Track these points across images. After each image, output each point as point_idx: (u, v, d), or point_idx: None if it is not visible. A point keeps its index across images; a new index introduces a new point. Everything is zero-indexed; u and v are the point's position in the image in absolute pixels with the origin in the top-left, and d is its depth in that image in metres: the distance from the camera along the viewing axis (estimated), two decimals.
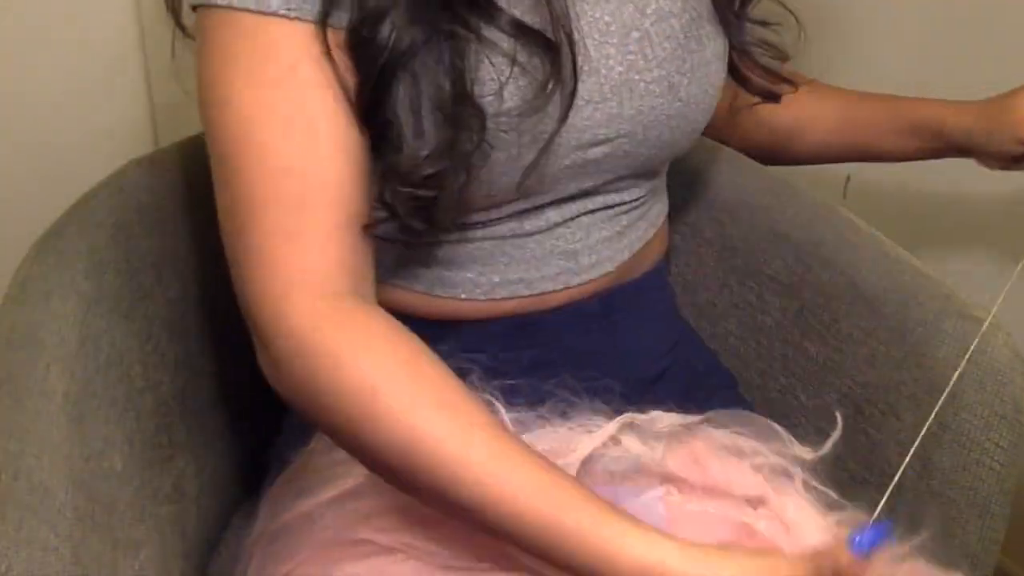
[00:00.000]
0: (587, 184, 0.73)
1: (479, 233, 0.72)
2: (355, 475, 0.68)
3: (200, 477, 0.79)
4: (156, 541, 0.68)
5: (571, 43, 0.65)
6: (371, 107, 0.62)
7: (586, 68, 0.68)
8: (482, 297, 0.74)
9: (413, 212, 0.64)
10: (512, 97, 0.65)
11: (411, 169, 0.63)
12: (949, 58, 1.19)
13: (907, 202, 1.20)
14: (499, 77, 0.64)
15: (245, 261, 0.62)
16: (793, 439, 0.70)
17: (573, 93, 0.66)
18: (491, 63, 0.64)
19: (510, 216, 0.72)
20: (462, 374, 0.67)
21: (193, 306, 0.82)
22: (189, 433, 0.78)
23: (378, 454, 0.60)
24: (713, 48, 0.75)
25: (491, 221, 0.72)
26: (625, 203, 0.77)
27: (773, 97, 0.87)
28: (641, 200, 0.78)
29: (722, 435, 0.70)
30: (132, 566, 0.62)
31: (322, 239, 0.62)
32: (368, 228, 0.64)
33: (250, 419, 0.87)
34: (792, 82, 0.87)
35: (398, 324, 0.63)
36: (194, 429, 0.79)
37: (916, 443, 0.62)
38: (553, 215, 0.73)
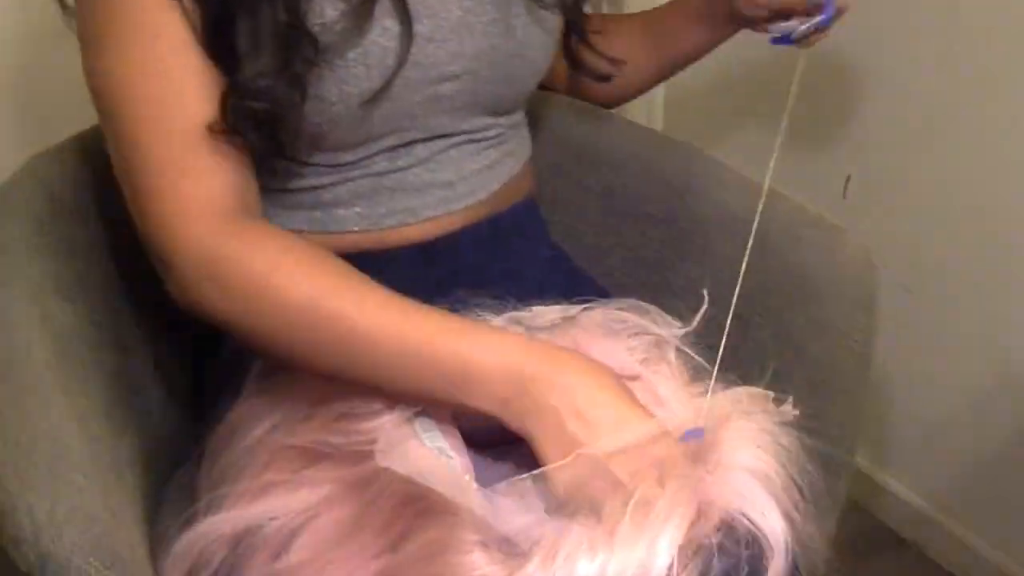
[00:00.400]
0: (444, 119, 0.81)
1: (356, 172, 0.80)
2: (274, 415, 0.73)
3: (143, 451, 0.81)
4: (131, 503, 0.71)
5: None
6: (215, 40, 0.71)
7: (424, 12, 0.77)
8: (373, 228, 0.81)
9: (252, 129, 0.72)
10: (338, 21, 0.72)
11: (247, 83, 0.71)
12: None
13: (907, 201, 1.22)
14: (327, 14, 0.72)
15: (141, 196, 0.71)
16: (665, 316, 0.77)
17: (410, 30, 0.75)
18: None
19: (380, 153, 0.80)
20: None
21: (118, 290, 0.84)
22: (129, 409, 0.80)
23: (283, 327, 0.69)
24: None
25: (365, 159, 0.80)
26: (488, 139, 0.85)
27: (603, 78, 0.95)
28: (502, 136, 0.87)
29: (600, 321, 0.77)
30: (131, 513, 0.66)
31: (208, 170, 0.71)
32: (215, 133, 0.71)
33: (176, 399, 0.90)
34: (618, 61, 0.95)
35: (281, 228, 0.74)
36: (132, 406, 0.81)
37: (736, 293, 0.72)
38: (422, 151, 0.81)
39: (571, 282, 0.90)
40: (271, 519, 0.67)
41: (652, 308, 0.79)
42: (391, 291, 0.69)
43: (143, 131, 0.71)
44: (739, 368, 0.82)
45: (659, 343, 0.77)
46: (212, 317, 0.72)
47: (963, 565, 1.28)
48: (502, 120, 0.86)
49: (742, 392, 0.71)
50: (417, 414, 0.69)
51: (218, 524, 0.68)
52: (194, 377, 0.91)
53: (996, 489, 1.23)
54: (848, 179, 1.22)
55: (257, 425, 0.73)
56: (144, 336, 0.86)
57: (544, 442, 0.64)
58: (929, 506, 1.31)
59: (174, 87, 0.71)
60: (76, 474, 0.56)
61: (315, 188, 0.80)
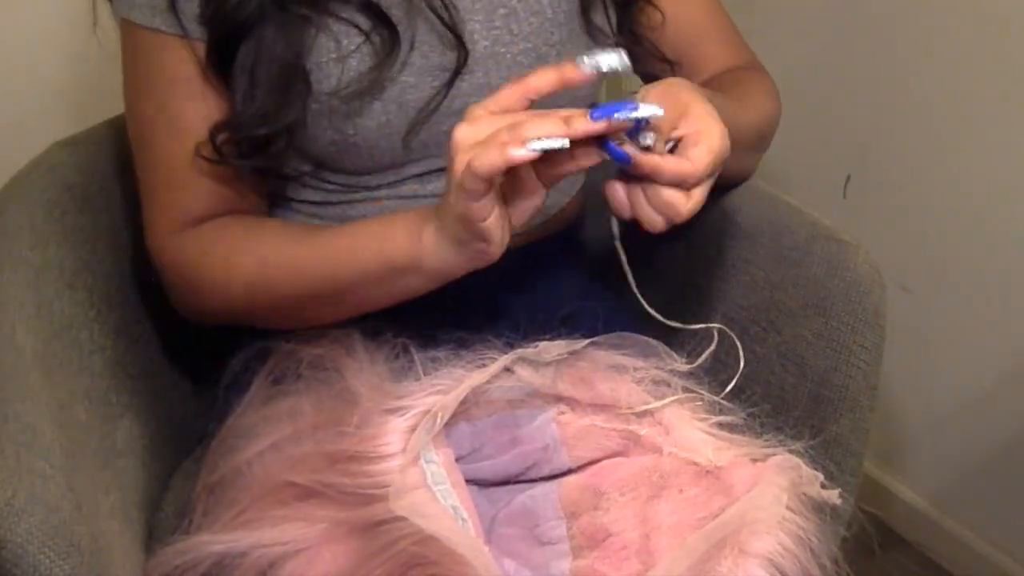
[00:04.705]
0: None
1: (383, 193, 0.78)
2: (278, 430, 0.72)
3: (144, 437, 0.82)
4: (118, 487, 0.72)
5: (453, 24, 0.72)
6: (216, 68, 0.73)
7: (450, 43, 0.73)
8: None
9: (243, 162, 0.74)
10: (352, 69, 0.71)
11: (237, 129, 0.72)
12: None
13: (907, 201, 1.22)
14: (343, 48, 0.71)
15: (142, 211, 0.78)
16: (671, 353, 0.76)
17: (457, 67, 0.73)
18: (335, 36, 0.71)
19: (408, 179, 0.78)
20: (377, 331, 0.74)
21: (128, 277, 0.85)
22: (132, 395, 0.81)
23: (250, 299, 0.74)
24: (583, 21, 0.79)
25: (392, 183, 0.78)
26: None
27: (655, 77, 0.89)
28: None
29: (606, 355, 0.76)
30: (106, 503, 0.66)
31: (189, 188, 0.76)
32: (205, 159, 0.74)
33: (187, 386, 0.90)
34: (672, 62, 0.89)
35: (228, 216, 0.77)
36: (135, 392, 0.82)
37: None
38: None
39: (602, 316, 0.87)
40: (261, 547, 0.66)
41: (658, 344, 0.78)
42: (312, 227, 0.77)
43: (145, 152, 0.77)
44: (743, 382, 0.81)
45: (665, 381, 0.75)
46: (201, 315, 0.79)
47: (963, 565, 1.27)
48: None
49: (774, 461, 0.69)
50: (426, 460, 0.68)
51: (205, 544, 0.67)
52: (209, 365, 0.91)
53: (996, 489, 1.23)
54: (848, 179, 1.21)
55: (255, 441, 0.72)
56: (153, 324, 0.87)
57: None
58: (929, 506, 1.31)
59: (167, 115, 0.74)
60: (42, 462, 0.56)
61: (342, 203, 0.79)
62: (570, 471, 0.74)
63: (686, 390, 0.75)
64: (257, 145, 0.72)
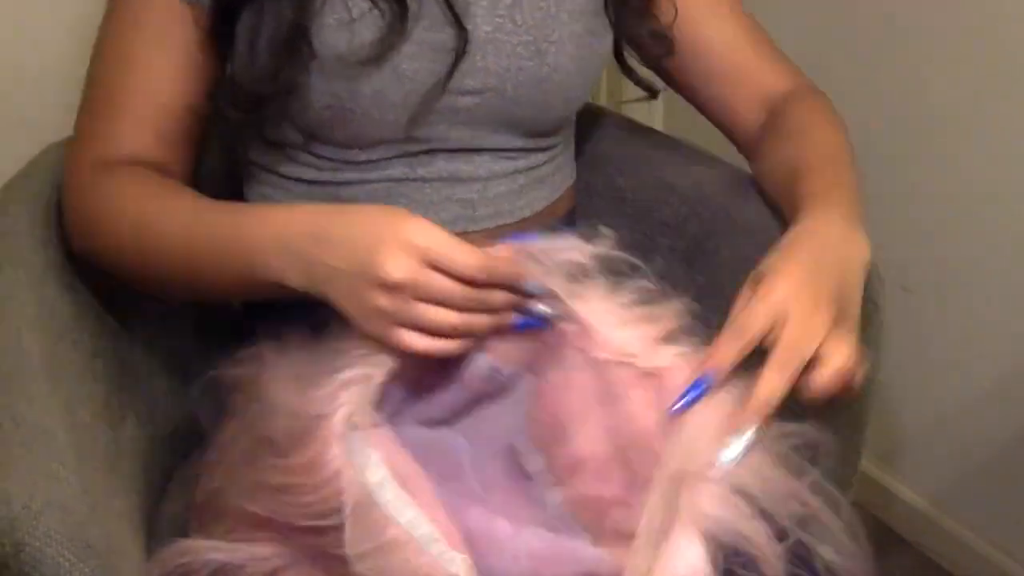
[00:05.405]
0: (466, 133, 0.78)
1: (374, 174, 0.79)
2: (229, 457, 0.72)
3: (144, 440, 0.82)
4: (124, 490, 0.72)
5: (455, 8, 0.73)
6: (218, 29, 0.75)
7: (451, 20, 0.74)
8: None
9: (236, 110, 0.76)
10: (361, 34, 0.72)
11: (238, 88, 0.74)
12: None
13: (907, 201, 1.21)
14: (350, 14, 0.72)
15: (67, 158, 0.79)
16: (583, 241, 0.73)
17: (457, 49, 0.74)
18: (343, 1, 0.72)
19: (398, 157, 0.78)
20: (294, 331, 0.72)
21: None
22: (133, 398, 0.81)
23: (124, 251, 0.75)
24: (585, 23, 0.80)
25: (383, 161, 0.78)
26: (516, 159, 0.82)
27: (650, 91, 0.90)
28: (538, 166, 0.84)
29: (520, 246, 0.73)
30: (115, 505, 0.65)
31: (128, 136, 0.77)
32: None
33: (187, 388, 0.90)
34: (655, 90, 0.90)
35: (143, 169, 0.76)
36: (136, 395, 0.82)
37: None
38: (445, 164, 0.79)
39: None
40: (258, 560, 0.66)
41: (570, 232, 0.75)
42: (204, 199, 0.74)
43: (93, 97, 0.78)
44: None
45: (583, 268, 0.73)
46: (93, 258, 0.77)
47: (963, 565, 1.27)
48: (533, 143, 0.83)
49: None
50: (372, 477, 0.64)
51: (205, 550, 0.67)
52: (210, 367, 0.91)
53: (996, 489, 1.23)
54: None
55: (220, 467, 0.72)
56: (152, 326, 0.86)
57: (338, 300, 0.66)
58: (929, 506, 1.31)
59: (134, 72, 0.76)
60: (56, 464, 0.56)
61: (335, 184, 0.79)
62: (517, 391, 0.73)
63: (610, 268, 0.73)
64: (255, 100, 0.74)
